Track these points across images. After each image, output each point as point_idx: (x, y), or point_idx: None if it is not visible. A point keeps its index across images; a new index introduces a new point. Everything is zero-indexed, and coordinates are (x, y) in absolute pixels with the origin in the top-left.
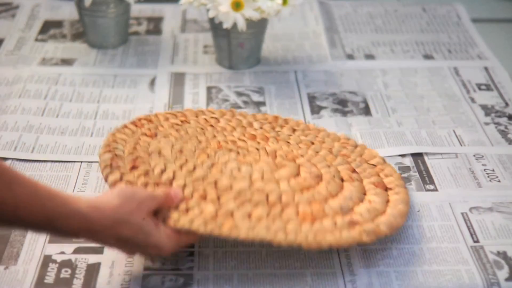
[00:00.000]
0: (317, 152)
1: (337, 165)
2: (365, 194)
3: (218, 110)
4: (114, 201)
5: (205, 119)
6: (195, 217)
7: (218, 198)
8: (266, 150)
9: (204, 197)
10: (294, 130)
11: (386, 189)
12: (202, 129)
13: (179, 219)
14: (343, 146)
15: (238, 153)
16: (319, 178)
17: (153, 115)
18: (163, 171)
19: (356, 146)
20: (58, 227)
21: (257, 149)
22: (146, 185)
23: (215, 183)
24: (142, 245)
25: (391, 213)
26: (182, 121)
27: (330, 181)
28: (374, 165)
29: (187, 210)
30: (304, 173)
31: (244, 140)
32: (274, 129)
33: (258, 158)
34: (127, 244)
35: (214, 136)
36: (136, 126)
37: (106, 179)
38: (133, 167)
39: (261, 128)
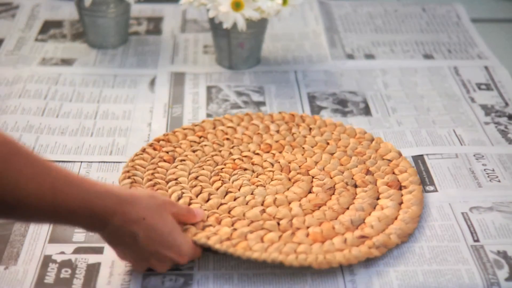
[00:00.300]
0: (332, 154)
1: (351, 168)
2: (378, 198)
3: (235, 116)
4: (144, 192)
5: (222, 131)
6: (211, 235)
7: (232, 224)
8: (280, 164)
9: (219, 222)
10: (310, 129)
11: (400, 187)
12: (219, 144)
13: (196, 233)
14: (359, 142)
15: (253, 171)
16: (331, 190)
17: (171, 133)
18: (180, 197)
19: (372, 140)
20: (95, 209)
21: (272, 164)
22: None
23: (229, 211)
24: (165, 242)
25: (402, 219)
26: (200, 137)
27: (342, 191)
28: (390, 160)
29: (203, 227)
30: (317, 187)
31: (259, 154)
32: (291, 130)
33: (272, 176)
34: (153, 237)
35: (230, 154)
36: (155, 149)
37: None
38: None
39: (277, 132)
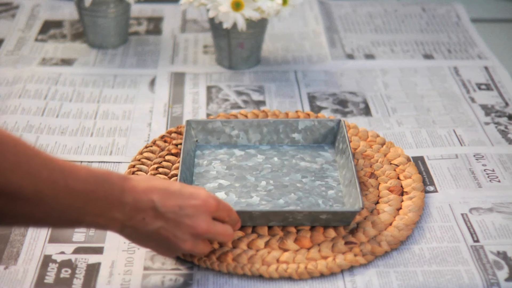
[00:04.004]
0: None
1: (357, 171)
2: (378, 202)
3: (251, 112)
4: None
5: None
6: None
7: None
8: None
9: None
10: None
11: (402, 193)
12: None
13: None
14: (370, 145)
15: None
16: None
17: (184, 126)
18: None
19: (383, 144)
20: (105, 188)
21: None
22: None
23: None
24: (182, 195)
25: (396, 225)
26: None
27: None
28: (397, 165)
29: None
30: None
31: None
32: None
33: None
34: (168, 196)
35: None
36: (165, 141)
37: None
38: None
39: None
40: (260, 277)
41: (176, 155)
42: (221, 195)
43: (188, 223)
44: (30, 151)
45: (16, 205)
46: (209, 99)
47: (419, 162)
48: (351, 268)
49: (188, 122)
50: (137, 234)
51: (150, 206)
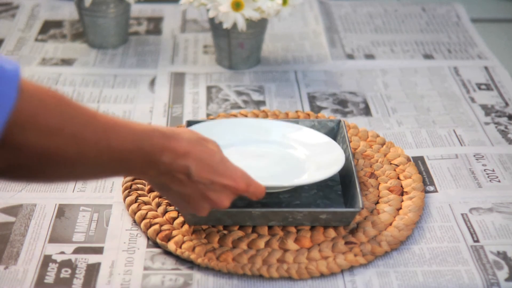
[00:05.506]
0: None
1: (357, 171)
2: (378, 202)
3: (251, 112)
4: (184, 128)
5: None
6: (198, 244)
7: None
8: None
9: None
10: None
11: (402, 193)
12: None
13: (182, 241)
14: (369, 145)
15: None
16: None
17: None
18: None
19: (383, 144)
20: (145, 147)
21: None
22: (159, 205)
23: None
24: (217, 170)
25: (396, 225)
26: None
27: None
28: (397, 165)
29: (192, 234)
30: None
31: None
32: None
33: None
34: (204, 167)
35: None
36: None
37: (124, 200)
38: (151, 190)
39: None
40: (260, 277)
41: None
42: None
43: (213, 197)
44: (73, 111)
45: (58, 166)
46: (209, 99)
47: (419, 162)
48: (351, 268)
49: (188, 122)
50: (162, 187)
51: (184, 172)
